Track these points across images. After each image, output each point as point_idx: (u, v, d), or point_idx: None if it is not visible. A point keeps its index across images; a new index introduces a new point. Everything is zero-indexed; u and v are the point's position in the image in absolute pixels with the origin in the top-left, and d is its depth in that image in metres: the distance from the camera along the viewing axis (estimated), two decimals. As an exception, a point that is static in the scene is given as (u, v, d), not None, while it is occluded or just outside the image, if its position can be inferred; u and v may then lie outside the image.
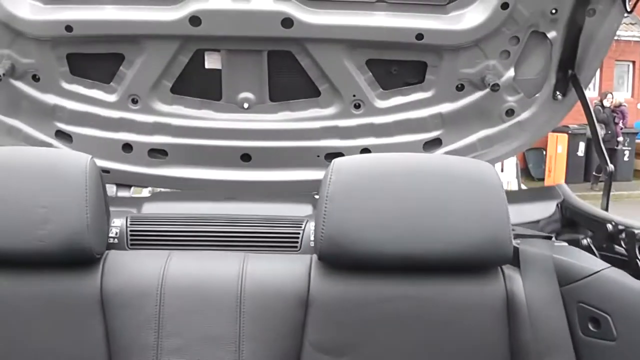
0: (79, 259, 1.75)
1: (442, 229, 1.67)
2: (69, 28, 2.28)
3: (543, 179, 11.87)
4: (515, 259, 1.80)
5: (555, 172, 11.50)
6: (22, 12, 2.26)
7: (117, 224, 2.22)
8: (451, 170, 1.74)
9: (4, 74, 2.34)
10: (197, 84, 2.48)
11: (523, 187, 2.94)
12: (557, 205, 2.32)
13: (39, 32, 2.31)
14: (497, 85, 2.32)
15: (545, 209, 2.39)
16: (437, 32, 2.28)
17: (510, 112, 2.47)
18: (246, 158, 2.56)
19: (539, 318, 1.72)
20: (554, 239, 2.14)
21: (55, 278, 1.75)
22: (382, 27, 2.29)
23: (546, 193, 2.33)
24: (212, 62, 2.40)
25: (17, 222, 1.69)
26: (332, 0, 2.28)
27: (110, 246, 2.05)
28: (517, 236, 1.94)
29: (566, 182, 11.45)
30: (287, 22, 2.24)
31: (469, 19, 2.26)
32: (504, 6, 2.19)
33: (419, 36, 2.27)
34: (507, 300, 1.73)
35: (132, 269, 1.81)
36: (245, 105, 2.47)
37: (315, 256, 1.79)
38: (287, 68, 2.41)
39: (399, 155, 1.84)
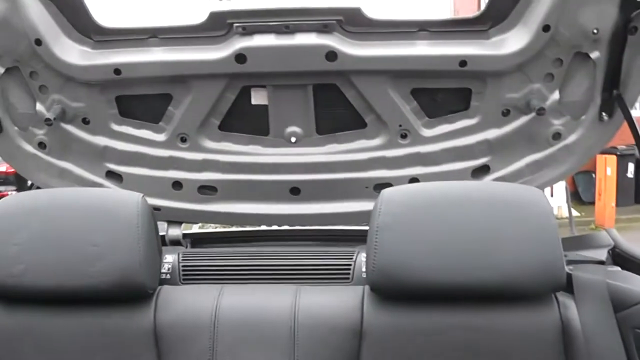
0: (132, 294, 1.78)
1: (493, 257, 1.66)
2: (117, 71, 2.33)
3: (593, 203, 11.65)
4: (568, 285, 1.78)
5: (606, 194, 11.29)
6: (72, 58, 2.31)
7: (169, 259, 2.25)
8: (500, 197, 1.73)
9: (55, 118, 2.38)
10: (244, 120, 2.49)
11: (574, 212, 2.86)
12: (608, 252, 2.25)
13: (88, 77, 2.36)
14: (543, 109, 2.28)
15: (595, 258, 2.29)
16: (480, 57, 2.27)
17: (557, 136, 2.42)
18: (295, 191, 2.56)
19: (595, 346, 1.69)
20: (606, 263, 2.10)
21: (109, 314, 1.79)
22: (425, 56, 2.28)
23: (595, 239, 2.27)
24: (258, 98, 2.43)
25: (71, 260, 1.74)
26: (374, 32, 2.29)
27: (163, 281, 2.07)
28: (569, 262, 1.92)
29: (617, 204, 11.28)
30: (331, 55, 2.25)
31: (511, 43, 2.24)
32: (546, 29, 2.17)
33: (462, 63, 2.27)
34: (562, 328, 1.71)
35: (185, 303, 1.84)
36: (293, 140, 2.48)
37: (367, 287, 1.79)
38: (333, 100, 2.41)
39: (447, 184, 1.83)
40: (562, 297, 1.76)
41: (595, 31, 2.19)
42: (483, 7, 2.29)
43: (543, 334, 1.70)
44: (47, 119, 2.36)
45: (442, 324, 1.71)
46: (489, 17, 2.25)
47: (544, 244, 1.68)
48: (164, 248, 2.09)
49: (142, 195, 1.84)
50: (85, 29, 2.32)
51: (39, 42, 2.25)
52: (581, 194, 12.74)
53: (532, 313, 1.72)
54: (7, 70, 2.36)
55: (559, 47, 2.22)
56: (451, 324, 1.71)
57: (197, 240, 2.73)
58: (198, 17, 2.32)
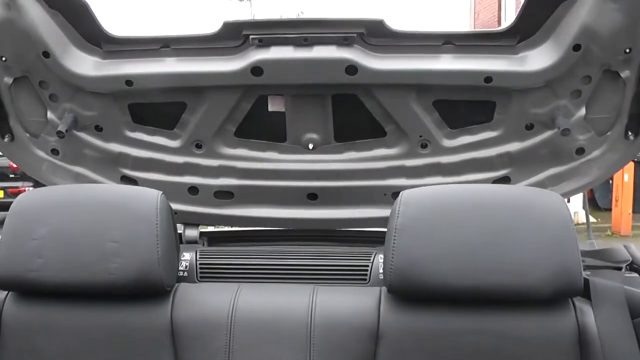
0: (149, 291, 1.79)
1: (510, 260, 1.66)
2: (129, 82, 2.29)
3: (610, 209, 11.58)
4: (585, 290, 1.77)
5: (622, 201, 11.21)
6: (82, 68, 2.28)
7: (187, 257, 2.26)
8: (519, 201, 1.73)
9: (66, 130, 2.36)
10: (261, 127, 2.46)
11: (591, 218, 2.81)
12: (626, 267, 2.24)
13: (99, 88, 2.33)
14: (568, 130, 2.23)
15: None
16: (507, 74, 2.21)
17: (580, 151, 2.38)
18: (312, 197, 2.54)
19: (612, 352, 1.68)
20: (624, 269, 2.09)
21: (126, 310, 1.80)
22: (450, 71, 2.23)
23: (613, 254, 2.22)
24: (275, 105, 2.39)
25: (89, 256, 1.75)
26: (397, 45, 2.24)
27: (180, 279, 2.09)
28: (586, 267, 1.91)
29: (633, 211, 11.19)
30: (351, 69, 2.20)
31: (539, 60, 2.19)
32: (576, 48, 2.11)
33: (488, 79, 2.21)
34: (578, 333, 1.70)
35: (202, 301, 1.85)
36: (310, 146, 2.45)
37: (384, 289, 1.79)
38: (352, 109, 2.37)
39: (466, 187, 1.83)
40: (579, 303, 1.76)
41: (627, 50, 2.14)
42: (511, 20, 2.23)
43: (560, 339, 1.69)
44: (59, 132, 2.35)
45: (459, 327, 1.71)
46: (517, 32, 2.21)
47: (561, 248, 1.67)
48: (181, 246, 2.10)
49: (161, 192, 1.85)
50: (95, 38, 2.30)
51: (47, 54, 2.23)
52: (598, 201, 12.67)
53: (549, 318, 1.71)
54: (17, 79, 2.35)
55: (589, 65, 2.17)
56: (468, 328, 1.71)
57: (214, 238, 2.73)
58: (212, 26, 2.27)
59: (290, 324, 1.77)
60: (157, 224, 1.78)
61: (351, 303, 1.81)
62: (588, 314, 1.73)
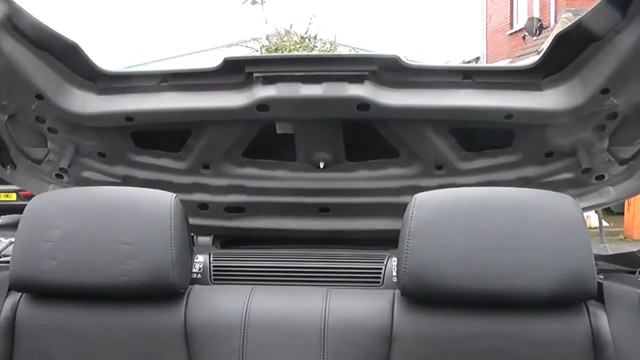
0: (163, 293, 1.80)
1: (523, 263, 1.65)
2: (129, 118, 2.22)
3: (622, 213, 11.53)
4: (599, 294, 1.76)
5: (635, 205, 11.16)
6: (78, 107, 2.20)
7: (200, 259, 2.26)
8: (532, 204, 1.72)
9: (69, 165, 2.33)
10: (270, 148, 2.40)
11: (604, 222, 2.79)
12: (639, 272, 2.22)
13: (98, 124, 2.26)
14: (589, 169, 2.21)
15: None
16: (528, 112, 2.11)
17: (600, 177, 2.33)
18: (324, 210, 2.51)
19: (626, 356, 1.66)
20: (637, 273, 2.08)
21: (140, 312, 1.81)
22: (468, 108, 2.12)
23: (626, 259, 2.20)
24: (283, 128, 2.29)
25: (103, 258, 1.75)
26: (413, 81, 2.13)
27: (194, 281, 2.09)
28: (600, 271, 1.90)
29: (647, 215, 11.14)
30: (364, 106, 2.11)
31: (564, 99, 2.08)
32: (604, 91, 2.01)
33: (508, 116, 2.12)
34: (592, 337, 1.69)
35: (215, 303, 1.85)
36: (321, 165, 2.38)
37: (398, 292, 1.79)
38: (364, 134, 2.29)
39: (480, 190, 1.82)
40: (593, 307, 1.75)
41: None
42: (538, 58, 2.10)
43: (573, 343, 1.69)
44: (62, 168, 2.34)
45: (472, 330, 1.71)
46: (541, 69, 2.11)
47: (575, 251, 1.67)
48: (194, 248, 2.11)
49: (175, 195, 1.85)
50: (89, 75, 2.22)
51: (39, 96, 2.16)
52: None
53: (563, 322, 1.70)
54: (12, 115, 2.27)
55: (616, 106, 2.07)
56: (481, 331, 1.70)
57: (227, 241, 2.73)
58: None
59: (303, 327, 1.77)
60: (170, 226, 1.78)
61: (364, 306, 1.81)
62: (602, 318, 1.72)
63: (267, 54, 17.09)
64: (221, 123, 2.26)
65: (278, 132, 2.30)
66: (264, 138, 2.34)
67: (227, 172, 2.44)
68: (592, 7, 1.86)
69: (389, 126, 2.25)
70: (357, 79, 2.09)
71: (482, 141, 2.32)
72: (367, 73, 2.09)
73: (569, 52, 2.03)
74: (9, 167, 2.45)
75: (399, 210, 2.19)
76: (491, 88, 2.12)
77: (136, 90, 2.22)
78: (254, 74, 2.11)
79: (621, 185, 2.35)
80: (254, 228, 2.58)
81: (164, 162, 2.45)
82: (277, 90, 2.11)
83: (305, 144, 2.35)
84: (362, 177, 2.42)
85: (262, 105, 2.13)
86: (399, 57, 2.09)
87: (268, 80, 2.11)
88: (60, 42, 2.09)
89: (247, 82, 2.15)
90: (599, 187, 2.38)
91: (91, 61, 2.18)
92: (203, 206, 2.54)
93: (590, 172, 2.24)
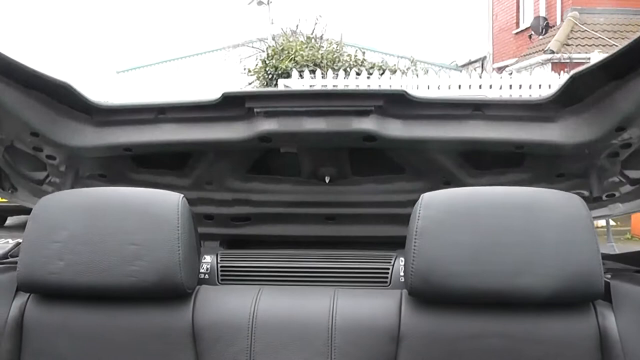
0: (171, 293, 1.80)
1: (531, 263, 1.65)
2: (127, 149, 2.21)
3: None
4: (606, 294, 1.75)
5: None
6: (75, 140, 2.18)
7: (208, 259, 2.26)
8: (539, 203, 1.72)
9: (72, 186, 2.29)
10: (274, 164, 2.39)
11: (611, 221, 2.78)
12: None
13: (96, 155, 2.25)
14: (600, 198, 2.20)
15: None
16: (541, 143, 2.07)
17: (611, 195, 2.32)
18: (331, 218, 2.51)
19: (633, 356, 1.66)
20: None
21: (147, 312, 1.81)
22: (478, 139, 2.09)
23: (633, 258, 2.18)
24: (287, 147, 2.26)
25: (110, 259, 1.76)
26: (421, 114, 2.10)
27: (201, 281, 2.09)
28: (607, 270, 1.90)
29: (655, 214, 11.11)
30: (370, 137, 2.10)
31: (579, 133, 2.03)
32: (620, 129, 1.96)
33: (519, 147, 2.10)
34: (600, 337, 1.69)
35: (223, 303, 1.85)
36: (327, 179, 2.36)
37: (405, 291, 1.79)
38: (370, 154, 2.27)
39: (487, 189, 1.82)
40: (600, 306, 1.74)
41: None
42: (554, 90, 2.03)
43: (580, 342, 1.68)
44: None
45: (480, 330, 1.71)
46: (557, 102, 2.05)
47: (582, 250, 1.66)
48: (202, 248, 2.11)
49: (182, 195, 1.85)
50: (84, 109, 2.19)
51: (35, 134, 2.14)
52: (617, 203, 12.60)
53: (570, 321, 1.70)
54: (8, 146, 2.25)
55: (631, 138, 2.03)
56: (489, 330, 1.70)
57: (234, 241, 2.74)
58: (212, 95, 2.11)
59: (311, 327, 1.77)
60: (178, 226, 1.78)
61: (372, 306, 1.81)
62: (609, 318, 1.72)
63: (272, 52, 17.09)
64: (223, 151, 2.26)
65: (282, 151, 2.28)
66: (268, 155, 2.34)
67: (231, 187, 2.44)
68: (618, 49, 1.79)
69: (395, 150, 2.25)
70: (362, 113, 2.07)
71: (491, 160, 2.31)
72: (372, 108, 2.07)
73: (585, 88, 1.99)
74: (9, 190, 2.44)
75: (405, 220, 2.21)
76: (502, 120, 2.09)
77: (133, 123, 2.20)
78: (255, 109, 2.09)
79: (631, 202, 2.34)
80: (261, 235, 2.59)
81: (166, 179, 2.45)
82: (279, 124, 2.10)
83: (311, 161, 2.34)
84: (368, 191, 2.42)
85: (265, 137, 2.12)
86: (406, 92, 2.07)
87: (270, 114, 2.09)
88: (50, 83, 2.07)
89: (248, 114, 2.13)
90: (609, 203, 2.37)
91: (85, 97, 2.14)
92: (208, 217, 2.55)
93: (600, 200, 2.23)
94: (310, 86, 12.91)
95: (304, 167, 2.36)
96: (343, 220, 2.50)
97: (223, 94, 2.10)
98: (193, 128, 2.17)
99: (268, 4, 24.16)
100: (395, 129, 2.10)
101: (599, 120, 2.00)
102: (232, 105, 2.12)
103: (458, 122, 2.10)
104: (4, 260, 2.13)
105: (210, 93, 2.19)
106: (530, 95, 12.65)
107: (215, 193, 2.46)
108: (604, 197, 2.32)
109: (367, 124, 2.08)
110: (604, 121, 1.98)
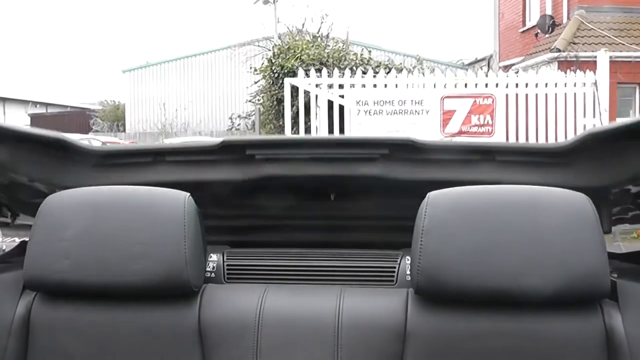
0: (177, 292, 1.80)
1: (537, 261, 1.65)
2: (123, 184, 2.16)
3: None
4: (613, 293, 1.75)
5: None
6: (70, 181, 2.14)
7: (214, 258, 2.26)
8: (546, 201, 1.72)
9: None
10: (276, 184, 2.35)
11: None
12: None
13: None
14: (609, 231, 2.14)
15: None
16: (552, 186, 1.97)
17: (619, 220, 2.29)
18: (336, 229, 2.45)
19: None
20: None
21: (154, 311, 1.81)
22: (487, 182, 1.99)
23: (639, 257, 2.16)
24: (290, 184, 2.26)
25: (116, 258, 1.76)
26: (429, 158, 2.10)
27: (208, 280, 2.10)
28: (613, 269, 1.89)
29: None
30: (375, 180, 2.10)
31: (591, 179, 2.01)
32: (634, 180, 1.96)
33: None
34: (606, 336, 1.68)
35: (229, 302, 1.86)
36: (332, 197, 2.34)
37: (411, 290, 1.79)
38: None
39: (493, 188, 1.82)
40: (607, 306, 1.74)
41: None
42: (568, 142, 2.02)
43: (587, 342, 1.68)
44: None
45: (486, 329, 1.70)
46: (571, 151, 2.03)
47: (588, 249, 1.66)
48: (208, 247, 2.11)
49: (188, 194, 1.85)
50: (81, 154, 2.19)
51: (32, 180, 2.15)
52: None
53: (576, 320, 1.70)
54: (7, 185, 2.23)
55: None
56: (495, 330, 1.70)
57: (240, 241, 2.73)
58: (210, 141, 2.12)
59: (317, 325, 1.77)
60: (184, 225, 1.79)
61: (378, 304, 1.82)
62: (616, 317, 1.71)
63: (278, 51, 17.07)
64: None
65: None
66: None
67: (232, 204, 2.44)
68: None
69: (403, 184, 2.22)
70: (368, 160, 2.08)
71: None
72: (378, 156, 2.07)
73: (601, 143, 1.97)
74: (10, 217, 2.46)
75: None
76: (513, 165, 2.09)
77: (132, 165, 2.22)
78: (256, 156, 2.10)
79: (638, 224, 2.34)
80: (264, 242, 2.58)
81: None
82: (281, 169, 2.11)
83: (316, 186, 2.33)
84: (376, 205, 2.41)
85: (266, 179, 2.14)
86: (414, 140, 2.06)
87: (271, 160, 2.10)
88: (44, 138, 2.08)
89: (248, 159, 2.13)
90: (617, 223, 2.35)
91: (81, 145, 2.15)
92: (210, 228, 2.55)
93: (609, 233, 2.17)
94: (317, 85, 12.86)
95: (308, 189, 2.36)
96: (348, 229, 2.48)
97: (223, 141, 2.11)
98: (192, 169, 2.19)
99: (274, 2, 24.23)
100: (402, 172, 2.10)
101: (612, 171, 1.99)
102: (231, 151, 2.13)
103: (468, 166, 2.10)
104: (10, 259, 2.13)
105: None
106: (536, 95, 12.66)
107: (216, 210, 2.44)
108: (612, 219, 2.29)
109: (373, 170, 2.09)
110: (617, 172, 1.98)
